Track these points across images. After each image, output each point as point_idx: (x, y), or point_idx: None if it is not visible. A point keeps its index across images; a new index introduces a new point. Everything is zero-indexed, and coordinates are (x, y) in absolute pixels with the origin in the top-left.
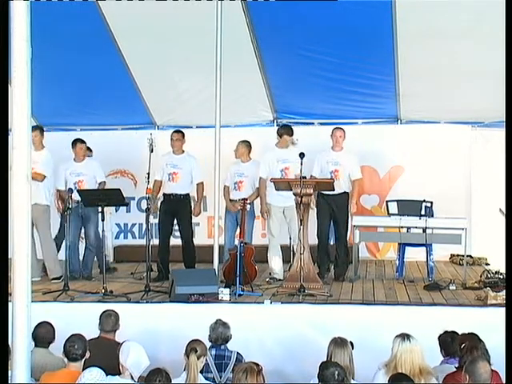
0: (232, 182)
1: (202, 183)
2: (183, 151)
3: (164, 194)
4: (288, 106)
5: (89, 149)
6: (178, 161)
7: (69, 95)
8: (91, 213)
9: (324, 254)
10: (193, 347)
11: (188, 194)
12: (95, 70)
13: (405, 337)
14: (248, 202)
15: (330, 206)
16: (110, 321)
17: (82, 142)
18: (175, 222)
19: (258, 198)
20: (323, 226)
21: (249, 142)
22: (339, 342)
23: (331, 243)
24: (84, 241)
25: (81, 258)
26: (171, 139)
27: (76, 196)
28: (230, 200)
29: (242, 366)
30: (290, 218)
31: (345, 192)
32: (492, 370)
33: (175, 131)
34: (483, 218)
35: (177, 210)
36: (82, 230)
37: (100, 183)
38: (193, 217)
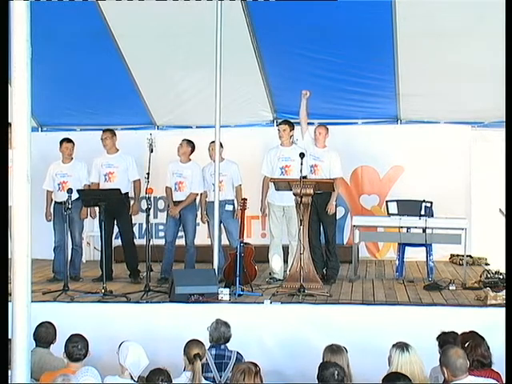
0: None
1: (139, 180)
2: (117, 150)
3: None
4: (288, 106)
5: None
6: (113, 160)
7: (69, 95)
8: (75, 213)
9: (315, 256)
10: (196, 353)
11: (127, 194)
12: (95, 70)
13: (403, 347)
14: (242, 201)
15: (315, 207)
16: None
17: (69, 141)
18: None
19: (259, 196)
20: (311, 227)
21: (193, 143)
22: (335, 350)
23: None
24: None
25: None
26: (101, 139)
27: (56, 197)
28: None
29: (241, 367)
30: (289, 217)
31: (326, 191)
32: (492, 371)
33: (104, 130)
34: (483, 217)
35: (116, 210)
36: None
37: (84, 186)
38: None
